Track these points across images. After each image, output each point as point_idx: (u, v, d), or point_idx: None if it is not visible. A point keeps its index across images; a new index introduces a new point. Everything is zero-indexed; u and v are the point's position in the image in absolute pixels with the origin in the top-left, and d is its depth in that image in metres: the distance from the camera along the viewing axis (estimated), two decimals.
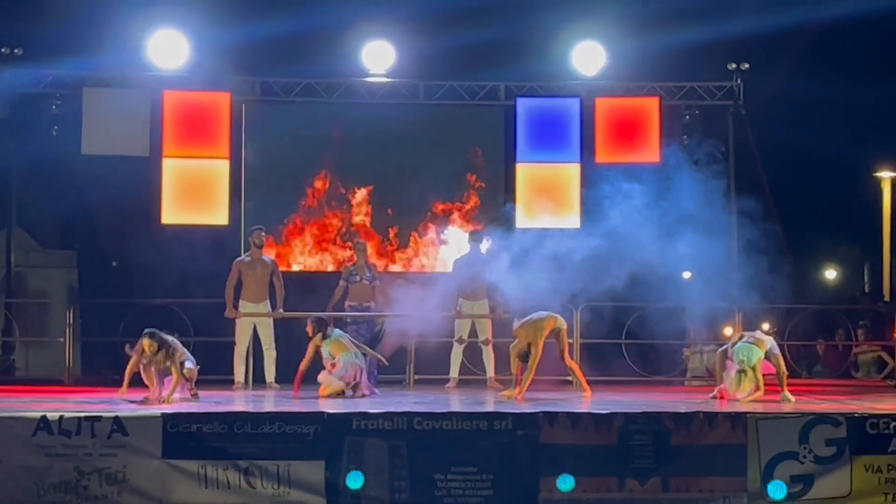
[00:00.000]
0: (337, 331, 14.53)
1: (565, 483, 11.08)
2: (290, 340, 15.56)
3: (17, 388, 14.98)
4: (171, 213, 17.57)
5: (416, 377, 16.36)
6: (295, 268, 17.84)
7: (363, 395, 13.93)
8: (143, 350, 12.98)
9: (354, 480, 11.00)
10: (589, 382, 14.36)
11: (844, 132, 23.48)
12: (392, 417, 11.19)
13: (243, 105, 18.02)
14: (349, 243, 17.70)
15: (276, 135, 18.08)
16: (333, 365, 14.07)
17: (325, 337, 14.20)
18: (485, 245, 16.38)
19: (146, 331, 13.10)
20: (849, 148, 23.61)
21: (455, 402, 13.54)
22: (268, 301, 15.75)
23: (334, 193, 18.03)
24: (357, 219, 18.03)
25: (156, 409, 11.51)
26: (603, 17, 17.96)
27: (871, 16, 18.94)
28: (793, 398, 13.48)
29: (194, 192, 17.64)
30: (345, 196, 18.03)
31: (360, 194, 18.04)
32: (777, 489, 11.18)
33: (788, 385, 13.36)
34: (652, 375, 16.83)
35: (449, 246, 17.79)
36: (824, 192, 27.15)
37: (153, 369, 13.06)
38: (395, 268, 17.95)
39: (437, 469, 11.09)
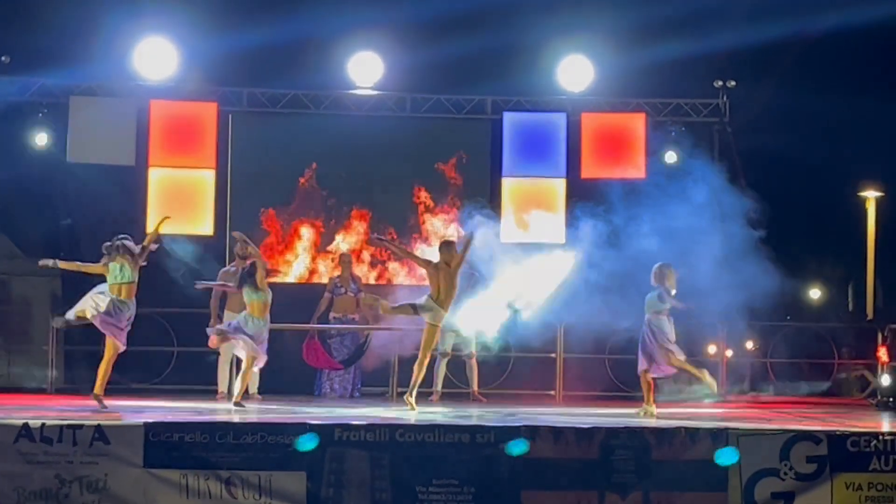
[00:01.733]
0: None
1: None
2: (275, 351, 15.52)
3: None
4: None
5: (400, 389, 16.32)
6: (280, 279, 17.79)
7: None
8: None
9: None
10: (571, 397, 14.33)
11: (830, 152, 23.57)
12: (374, 429, 11.17)
13: (230, 115, 18.02)
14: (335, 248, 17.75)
15: (263, 146, 18.08)
16: None
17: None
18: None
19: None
20: (834, 168, 23.71)
21: (438, 414, 13.53)
22: None
23: (319, 205, 18.01)
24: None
25: (137, 419, 11.48)
26: (590, 32, 18.02)
27: (857, 32, 18.99)
28: (654, 412, 13.51)
29: (180, 201, 17.61)
30: (329, 207, 18.01)
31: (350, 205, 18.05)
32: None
33: (771, 403, 13.38)
34: (634, 391, 16.81)
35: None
36: (809, 211, 27.26)
37: None
38: (380, 276, 17.95)
39: (419, 481, 11.06)
